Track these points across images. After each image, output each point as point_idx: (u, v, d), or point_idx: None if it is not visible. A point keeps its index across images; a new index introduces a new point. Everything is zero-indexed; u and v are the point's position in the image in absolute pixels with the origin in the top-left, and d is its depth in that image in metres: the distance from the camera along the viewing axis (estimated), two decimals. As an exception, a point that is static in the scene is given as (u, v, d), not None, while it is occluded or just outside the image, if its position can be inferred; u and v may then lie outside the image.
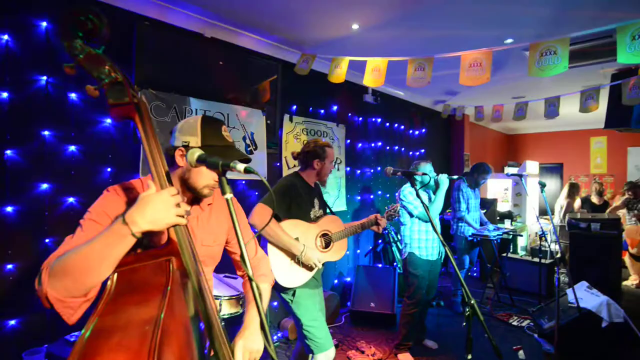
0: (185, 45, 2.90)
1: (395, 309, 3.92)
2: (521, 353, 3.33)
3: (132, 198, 1.11)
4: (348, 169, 4.64)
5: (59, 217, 2.32)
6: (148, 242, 1.07)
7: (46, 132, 2.28)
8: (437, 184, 3.15)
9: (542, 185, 2.68)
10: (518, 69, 4.33)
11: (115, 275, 0.94)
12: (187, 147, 1.17)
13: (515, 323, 4.01)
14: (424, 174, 2.13)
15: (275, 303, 3.61)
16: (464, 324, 1.75)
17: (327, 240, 2.23)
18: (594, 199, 6.16)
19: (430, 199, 3.26)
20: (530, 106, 4.80)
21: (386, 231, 5.00)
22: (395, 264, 4.81)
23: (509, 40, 3.39)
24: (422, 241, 3.21)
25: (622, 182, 7.79)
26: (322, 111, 4.26)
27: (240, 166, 0.90)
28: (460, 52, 2.65)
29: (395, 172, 2.02)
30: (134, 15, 2.63)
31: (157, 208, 0.93)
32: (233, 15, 2.99)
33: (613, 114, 4.01)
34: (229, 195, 0.92)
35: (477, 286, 5.21)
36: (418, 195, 1.90)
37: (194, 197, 1.26)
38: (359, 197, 4.89)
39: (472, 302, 1.73)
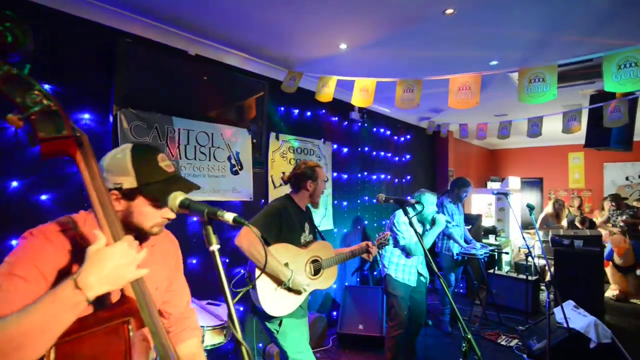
0: (169, 62, 2.80)
1: (384, 330, 3.83)
2: (511, 376, 3.29)
3: (71, 243, 0.92)
4: (334, 187, 4.57)
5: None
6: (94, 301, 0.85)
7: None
8: (433, 221, 3.11)
9: (531, 208, 2.68)
10: (501, 88, 4.40)
11: (53, 350, 0.75)
12: (120, 190, 0.97)
13: (503, 343, 3.97)
14: (418, 202, 2.08)
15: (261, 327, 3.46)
16: (460, 359, 1.69)
17: (317, 267, 2.15)
18: (578, 225, 6.28)
19: (424, 230, 3.20)
20: (513, 123, 4.88)
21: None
22: (382, 283, 4.73)
23: (494, 62, 3.43)
24: (399, 265, 3.12)
25: (599, 196, 8.04)
26: (309, 129, 4.21)
27: (229, 216, 0.81)
28: (450, 75, 2.65)
29: (388, 200, 1.97)
30: (115, 32, 2.53)
31: (117, 265, 0.79)
32: (218, 33, 2.92)
33: (592, 134, 4.10)
34: (216, 247, 0.83)
35: (464, 303, 5.19)
36: (412, 224, 1.85)
37: (137, 236, 1.04)
38: (346, 215, 4.82)
39: (469, 336, 1.68)
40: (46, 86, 2.19)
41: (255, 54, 3.37)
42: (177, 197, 0.90)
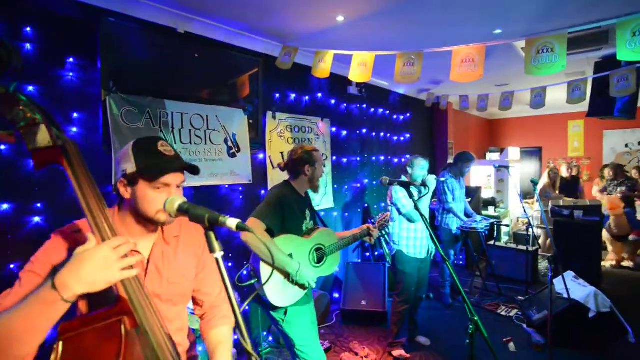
0: (157, 42, 2.65)
1: (387, 306, 3.89)
2: (512, 345, 3.37)
3: (78, 244, 0.97)
4: (334, 164, 4.50)
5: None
6: (95, 299, 0.94)
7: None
8: (424, 184, 3.12)
9: (535, 184, 2.64)
10: (503, 58, 4.26)
11: (61, 344, 0.82)
12: (125, 176, 1.03)
13: (503, 313, 4.05)
14: (422, 184, 2.04)
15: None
16: (467, 341, 1.70)
17: (320, 255, 2.12)
18: (565, 174, 6.36)
19: (420, 192, 3.21)
20: (515, 93, 4.76)
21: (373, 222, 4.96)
22: (384, 258, 4.77)
23: (498, 31, 3.29)
24: (410, 239, 3.17)
25: (598, 164, 8.01)
26: (306, 106, 4.09)
27: (232, 222, 0.76)
28: (452, 47, 2.52)
29: (392, 183, 1.93)
30: (97, 10, 2.36)
31: (96, 266, 0.80)
32: (208, 8, 2.76)
33: (596, 103, 4.00)
34: (220, 254, 0.78)
35: (464, 275, 5.28)
36: (417, 207, 1.81)
37: (156, 227, 1.12)
38: (346, 193, 4.79)
39: (475, 318, 1.67)
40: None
41: (248, 29, 3.20)
42: (174, 201, 0.85)
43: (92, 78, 2.32)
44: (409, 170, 3.22)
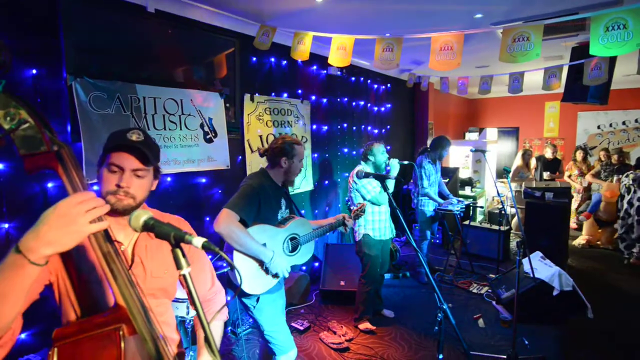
0: (126, 22, 2.50)
1: (364, 285, 4.01)
2: (481, 322, 3.56)
3: None
4: (314, 132, 4.46)
5: None
6: (92, 304, 0.95)
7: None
8: (388, 172, 3.21)
9: (507, 172, 2.72)
10: (483, 39, 4.24)
11: (56, 350, 0.80)
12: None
13: (475, 290, 4.25)
14: (387, 172, 2.07)
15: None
16: (436, 328, 1.79)
17: (294, 244, 2.15)
18: (547, 155, 6.51)
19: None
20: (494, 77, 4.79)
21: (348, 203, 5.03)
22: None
23: (479, 15, 3.26)
24: (375, 222, 3.28)
25: (572, 144, 8.27)
26: (286, 87, 4.00)
27: (198, 241, 0.76)
28: (431, 33, 2.49)
29: (368, 175, 1.95)
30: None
31: (58, 223, 0.74)
32: (179, -16, 2.61)
33: (571, 88, 4.09)
34: (187, 270, 0.78)
35: (440, 253, 5.47)
36: (391, 202, 1.84)
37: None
38: (326, 172, 4.80)
39: (444, 307, 1.76)
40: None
41: (224, 7, 3.06)
42: (140, 216, 0.82)
43: (58, 61, 2.18)
44: (371, 158, 3.24)
